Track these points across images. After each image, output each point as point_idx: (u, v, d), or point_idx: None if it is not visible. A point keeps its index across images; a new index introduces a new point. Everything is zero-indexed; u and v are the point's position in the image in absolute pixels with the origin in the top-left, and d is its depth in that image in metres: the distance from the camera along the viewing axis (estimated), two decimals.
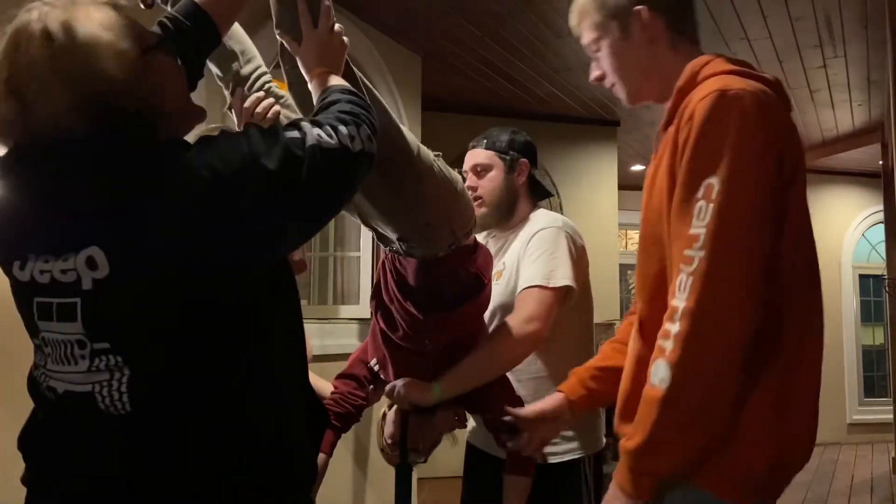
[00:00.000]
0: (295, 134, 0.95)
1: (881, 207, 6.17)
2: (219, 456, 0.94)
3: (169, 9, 1.28)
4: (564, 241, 1.81)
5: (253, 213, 0.92)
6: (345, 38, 1.29)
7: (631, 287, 9.04)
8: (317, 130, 0.96)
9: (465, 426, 1.89)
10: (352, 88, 1.15)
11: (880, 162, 6.20)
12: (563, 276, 1.75)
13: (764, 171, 1.06)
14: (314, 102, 1.17)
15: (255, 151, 0.92)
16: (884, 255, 6.46)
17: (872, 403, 7.37)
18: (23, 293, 0.97)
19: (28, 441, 1.05)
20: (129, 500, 0.93)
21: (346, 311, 3.95)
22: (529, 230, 1.87)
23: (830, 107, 5.58)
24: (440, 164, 1.48)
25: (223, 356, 0.95)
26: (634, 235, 9.09)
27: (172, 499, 0.93)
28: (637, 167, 7.54)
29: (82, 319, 0.91)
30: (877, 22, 4.02)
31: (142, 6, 1.28)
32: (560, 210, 5.77)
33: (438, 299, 1.58)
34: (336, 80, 1.19)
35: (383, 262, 1.69)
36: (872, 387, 7.51)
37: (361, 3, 3.71)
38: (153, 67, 0.97)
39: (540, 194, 2.01)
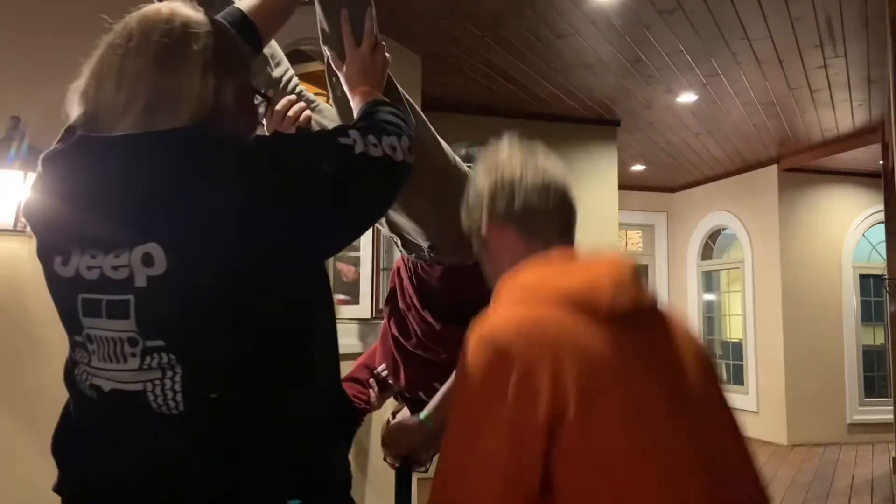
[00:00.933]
0: (347, 141, 0.97)
1: (881, 207, 6.17)
2: (270, 455, 0.93)
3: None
4: None
5: (309, 215, 0.94)
6: (387, 55, 1.32)
7: None
8: (364, 139, 0.98)
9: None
10: (390, 101, 1.17)
11: (880, 162, 6.20)
12: None
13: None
14: (354, 115, 1.18)
15: (313, 155, 0.95)
16: (884, 255, 6.45)
17: (872, 403, 7.37)
18: (64, 289, 0.93)
19: (65, 444, 1.01)
20: (182, 499, 0.92)
21: (347, 311, 3.95)
22: None
23: (830, 107, 5.58)
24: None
25: (272, 353, 0.95)
26: (634, 235, 9.09)
27: (224, 498, 0.92)
28: (637, 167, 7.55)
29: (136, 317, 0.89)
30: (877, 22, 4.02)
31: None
32: None
33: (458, 309, 1.56)
34: (376, 95, 1.22)
35: (398, 269, 1.68)
36: (872, 387, 7.50)
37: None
38: None
39: None
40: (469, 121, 5.55)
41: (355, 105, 1.23)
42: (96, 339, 0.92)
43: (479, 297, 1.59)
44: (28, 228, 1.22)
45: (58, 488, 1.00)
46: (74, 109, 1.01)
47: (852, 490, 5.34)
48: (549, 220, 1.18)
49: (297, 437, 0.96)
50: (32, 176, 2.52)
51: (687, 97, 5.39)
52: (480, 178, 1.21)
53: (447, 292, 1.55)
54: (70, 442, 1.00)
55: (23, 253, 2.55)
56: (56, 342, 2.78)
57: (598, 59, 4.69)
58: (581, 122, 5.91)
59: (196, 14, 1.00)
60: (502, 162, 1.20)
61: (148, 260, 0.87)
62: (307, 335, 1.00)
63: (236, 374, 0.92)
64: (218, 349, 0.91)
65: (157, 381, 0.89)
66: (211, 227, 0.88)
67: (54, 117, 2.89)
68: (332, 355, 1.07)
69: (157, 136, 0.91)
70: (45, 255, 0.95)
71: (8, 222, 2.51)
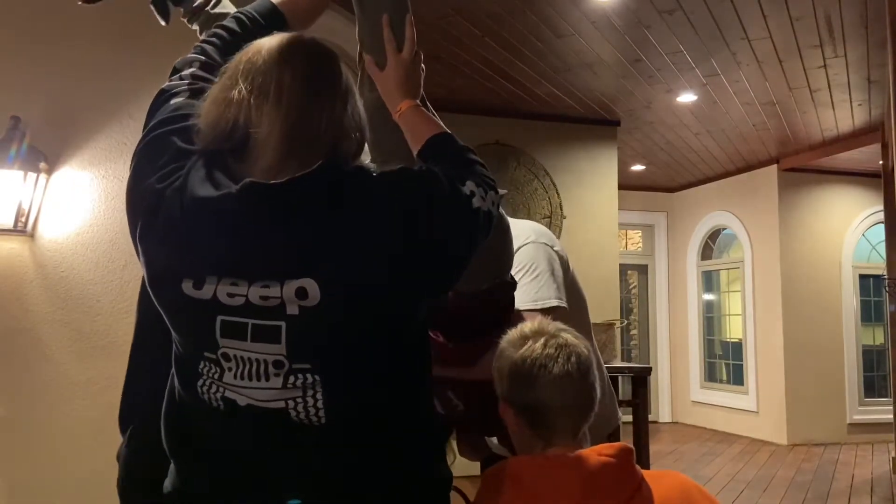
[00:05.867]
0: (467, 192, 1.04)
1: (881, 207, 6.17)
2: (394, 462, 1.01)
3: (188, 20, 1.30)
4: (540, 254, 1.79)
5: (446, 259, 1.02)
6: (423, 67, 1.33)
7: (631, 287, 9.05)
8: (476, 192, 1.05)
9: (483, 454, 1.85)
10: (461, 142, 1.20)
11: (880, 162, 6.20)
12: (551, 296, 1.74)
13: None
14: (414, 137, 1.21)
15: (450, 208, 1.02)
16: (884, 255, 6.45)
17: (872, 403, 7.37)
18: (198, 310, 0.96)
19: (183, 449, 1.04)
20: (323, 501, 0.97)
21: None
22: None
23: (830, 107, 5.59)
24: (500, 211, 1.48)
25: (401, 374, 1.03)
26: (634, 235, 9.10)
27: (354, 500, 0.98)
28: (637, 167, 7.55)
29: (286, 342, 0.94)
30: (877, 22, 4.02)
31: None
32: (560, 210, 5.78)
33: (467, 327, 1.56)
34: (436, 121, 1.25)
35: None
36: (872, 387, 7.51)
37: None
38: None
39: None
40: (469, 121, 5.55)
41: (410, 121, 1.25)
42: (234, 358, 0.95)
43: (489, 314, 1.58)
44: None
45: (177, 486, 1.04)
46: (203, 124, 1.01)
47: (852, 490, 5.34)
48: (559, 415, 1.18)
49: (415, 446, 1.05)
50: (32, 176, 2.52)
51: (687, 97, 5.39)
52: (504, 353, 1.23)
53: (456, 311, 1.56)
54: (188, 448, 1.03)
55: (23, 253, 2.55)
56: (56, 342, 2.80)
57: (598, 59, 4.69)
58: (581, 122, 5.92)
59: (331, 46, 1.06)
60: (526, 348, 1.21)
61: (302, 294, 0.93)
62: (425, 359, 1.10)
63: (372, 392, 0.99)
64: (358, 370, 0.98)
65: (300, 399, 0.95)
66: (366, 267, 0.94)
67: (54, 117, 2.90)
68: (429, 373, 1.15)
69: (309, 180, 0.94)
70: (170, 274, 0.97)
71: (8, 222, 2.51)
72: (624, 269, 8.19)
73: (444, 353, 1.57)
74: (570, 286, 1.86)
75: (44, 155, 2.57)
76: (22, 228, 2.54)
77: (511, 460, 1.14)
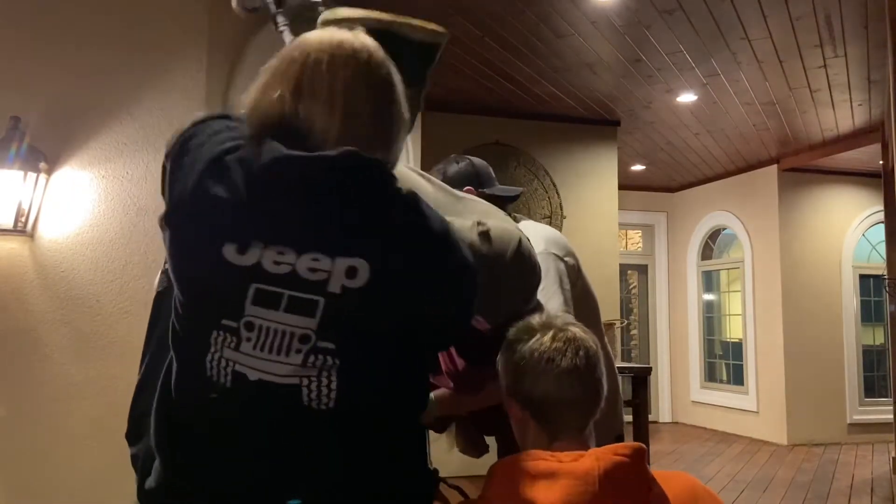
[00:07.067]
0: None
1: (881, 207, 6.16)
2: (395, 452, 1.03)
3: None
4: (549, 266, 1.79)
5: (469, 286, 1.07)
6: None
7: (631, 287, 9.05)
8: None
9: (483, 452, 1.85)
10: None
11: (880, 162, 6.20)
12: (556, 309, 1.74)
13: None
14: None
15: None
16: (884, 255, 6.45)
17: (872, 403, 7.37)
18: (232, 275, 0.95)
19: (177, 436, 1.01)
20: (318, 486, 0.98)
21: None
22: None
23: (830, 107, 5.59)
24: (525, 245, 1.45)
25: (409, 369, 1.06)
26: (634, 235, 9.10)
27: (359, 487, 0.99)
28: (637, 167, 7.55)
29: (320, 318, 0.94)
30: (877, 22, 4.02)
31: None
32: (560, 210, 5.78)
33: (483, 351, 1.56)
34: None
35: None
36: (872, 387, 7.51)
37: (362, 3, 3.70)
38: None
39: (508, 204, 1.99)
40: (469, 121, 5.55)
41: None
42: (259, 328, 0.95)
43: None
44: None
45: (161, 484, 1.02)
46: (252, 112, 1.02)
47: (852, 490, 5.34)
48: (566, 409, 1.17)
49: (413, 440, 1.08)
50: (32, 176, 2.52)
51: (687, 97, 5.39)
52: (510, 346, 1.22)
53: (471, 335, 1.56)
54: (181, 439, 1.01)
55: (23, 253, 2.55)
56: (56, 342, 2.80)
57: (598, 59, 4.69)
58: (581, 122, 5.92)
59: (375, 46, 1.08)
60: (534, 341, 1.20)
61: (352, 273, 0.94)
62: (432, 363, 1.17)
63: (383, 383, 1.01)
64: (376, 356, 0.99)
65: (314, 378, 0.95)
66: (416, 264, 0.99)
67: (54, 117, 2.90)
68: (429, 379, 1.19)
69: (372, 169, 0.98)
70: (210, 238, 0.96)
71: (8, 222, 2.51)
72: (624, 269, 8.19)
73: (452, 378, 1.56)
74: (581, 294, 1.86)
75: (44, 155, 2.56)
76: (22, 228, 2.54)
77: (524, 454, 1.13)
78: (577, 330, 1.20)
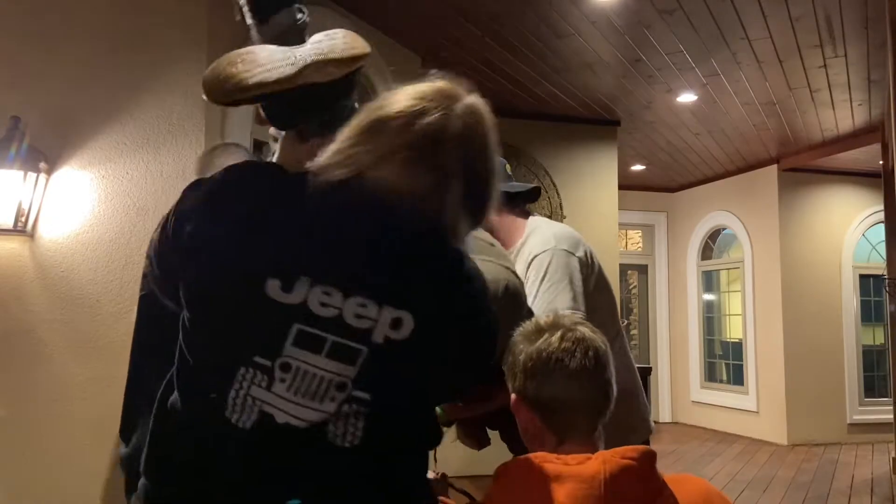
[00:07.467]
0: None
1: (881, 207, 6.16)
2: (409, 487, 1.03)
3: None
4: (558, 263, 1.79)
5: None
6: None
7: (631, 287, 9.04)
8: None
9: (484, 446, 1.85)
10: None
11: (880, 162, 6.20)
12: (565, 305, 1.74)
13: None
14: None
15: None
16: (884, 255, 6.45)
17: (872, 403, 7.37)
18: (273, 313, 0.91)
19: (171, 468, 0.97)
20: None
21: None
22: (527, 252, 1.85)
23: (830, 107, 5.58)
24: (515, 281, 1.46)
25: (429, 414, 1.08)
26: (634, 235, 9.09)
27: None
28: (637, 167, 7.55)
29: (360, 367, 0.91)
30: (877, 22, 4.02)
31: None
32: (560, 210, 5.78)
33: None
34: None
35: None
36: (872, 387, 7.50)
37: (362, 3, 3.71)
38: None
39: (523, 200, 1.99)
40: None
41: None
42: (296, 371, 0.91)
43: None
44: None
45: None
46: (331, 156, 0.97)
47: (852, 490, 5.34)
48: (574, 411, 1.15)
49: (420, 474, 1.07)
50: (32, 176, 2.52)
51: (687, 97, 5.39)
52: (517, 346, 1.20)
53: None
54: (186, 466, 0.96)
55: (23, 253, 2.55)
56: (56, 342, 2.79)
57: (598, 59, 4.69)
58: (581, 122, 5.91)
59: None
60: (542, 341, 1.18)
61: (396, 324, 0.92)
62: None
63: (407, 425, 1.00)
64: (406, 408, 0.99)
65: (342, 421, 0.93)
66: (456, 322, 0.98)
67: (54, 117, 2.90)
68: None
69: (444, 230, 0.97)
70: (251, 271, 0.92)
71: (8, 222, 2.51)
72: (624, 269, 8.19)
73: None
74: (597, 289, 1.85)
75: (44, 155, 2.56)
76: (22, 228, 2.54)
77: (531, 456, 1.11)
78: (586, 330, 1.18)
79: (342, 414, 0.92)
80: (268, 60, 1.15)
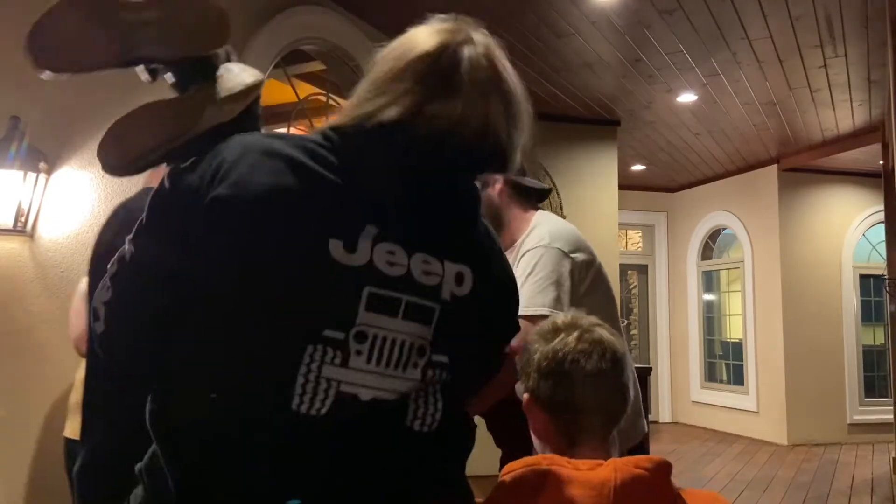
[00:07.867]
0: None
1: (881, 207, 6.16)
2: (460, 471, 1.00)
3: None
4: (548, 261, 1.78)
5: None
6: None
7: (631, 287, 9.04)
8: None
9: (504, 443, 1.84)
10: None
11: (880, 162, 6.20)
12: (544, 304, 1.72)
13: None
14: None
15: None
16: (884, 255, 6.45)
17: (873, 403, 7.37)
18: (340, 277, 0.81)
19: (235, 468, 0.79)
20: None
21: None
22: (523, 246, 1.85)
23: (830, 107, 5.58)
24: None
25: (485, 370, 1.08)
26: (634, 235, 9.09)
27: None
28: (637, 167, 7.55)
29: (436, 328, 0.86)
30: (877, 22, 4.02)
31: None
32: (560, 210, 5.78)
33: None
34: None
35: None
36: (873, 387, 7.50)
37: (362, 3, 3.70)
38: None
39: (534, 196, 1.99)
40: None
41: None
42: (374, 339, 0.82)
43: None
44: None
45: None
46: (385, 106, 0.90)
47: (852, 490, 5.34)
48: (589, 415, 1.11)
49: (463, 455, 1.02)
50: (32, 176, 2.52)
51: (687, 97, 5.39)
52: (533, 345, 1.17)
53: None
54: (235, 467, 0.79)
55: (23, 253, 2.55)
56: (56, 342, 2.79)
57: (598, 59, 4.69)
58: (581, 122, 5.91)
59: None
60: (558, 341, 1.14)
61: (460, 279, 0.89)
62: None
63: (464, 402, 0.97)
64: (478, 373, 0.98)
65: (422, 396, 0.86)
66: (502, 278, 1.02)
67: (54, 117, 2.90)
68: None
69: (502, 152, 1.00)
70: (313, 234, 0.81)
71: (8, 222, 2.51)
72: (624, 269, 8.19)
73: None
74: (594, 291, 1.84)
75: (44, 155, 2.56)
76: (22, 228, 2.54)
77: (540, 458, 1.08)
78: (604, 332, 1.14)
79: (427, 381, 0.86)
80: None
